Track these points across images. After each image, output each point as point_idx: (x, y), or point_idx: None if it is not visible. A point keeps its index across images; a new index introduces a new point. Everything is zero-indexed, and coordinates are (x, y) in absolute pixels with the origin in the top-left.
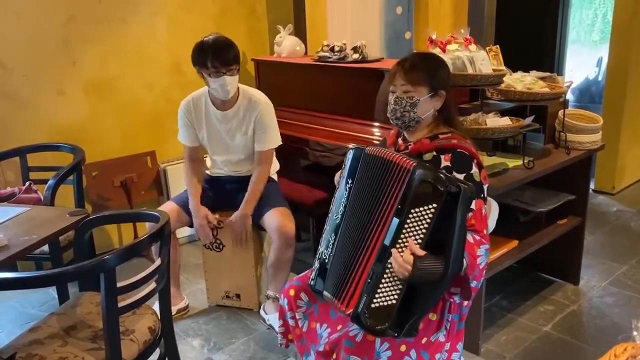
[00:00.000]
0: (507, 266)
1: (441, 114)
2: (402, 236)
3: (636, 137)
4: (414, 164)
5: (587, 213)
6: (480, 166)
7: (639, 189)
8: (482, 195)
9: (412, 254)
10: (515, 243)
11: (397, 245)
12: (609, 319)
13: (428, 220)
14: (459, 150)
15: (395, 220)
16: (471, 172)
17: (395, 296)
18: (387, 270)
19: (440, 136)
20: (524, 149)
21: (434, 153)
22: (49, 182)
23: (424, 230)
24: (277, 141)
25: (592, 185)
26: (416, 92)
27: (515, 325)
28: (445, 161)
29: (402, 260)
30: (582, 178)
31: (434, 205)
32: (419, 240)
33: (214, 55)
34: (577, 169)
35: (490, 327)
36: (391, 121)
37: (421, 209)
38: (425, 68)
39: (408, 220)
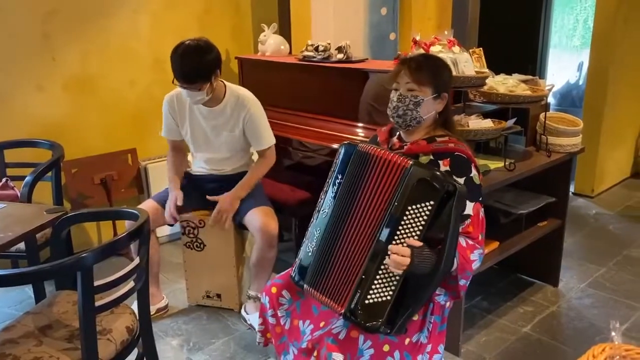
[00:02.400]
0: (488, 267)
1: (441, 117)
2: (398, 233)
3: (616, 141)
4: (410, 161)
5: (567, 215)
6: (477, 169)
7: (618, 192)
8: (480, 199)
9: (410, 246)
10: (495, 244)
11: (394, 242)
12: (587, 320)
13: (425, 218)
14: (456, 153)
15: (392, 217)
16: (471, 175)
17: (390, 292)
18: (382, 267)
19: (438, 139)
20: (505, 151)
21: (431, 157)
22: (27, 179)
23: (420, 227)
24: (272, 139)
25: (572, 188)
26: (421, 92)
27: (495, 326)
28: (444, 166)
29: (401, 252)
30: (562, 181)
31: (431, 202)
32: (415, 238)
33: (178, 72)
34: (558, 172)
35: (471, 328)
36: (391, 119)
37: (418, 206)
38: (431, 69)
39: (405, 218)
